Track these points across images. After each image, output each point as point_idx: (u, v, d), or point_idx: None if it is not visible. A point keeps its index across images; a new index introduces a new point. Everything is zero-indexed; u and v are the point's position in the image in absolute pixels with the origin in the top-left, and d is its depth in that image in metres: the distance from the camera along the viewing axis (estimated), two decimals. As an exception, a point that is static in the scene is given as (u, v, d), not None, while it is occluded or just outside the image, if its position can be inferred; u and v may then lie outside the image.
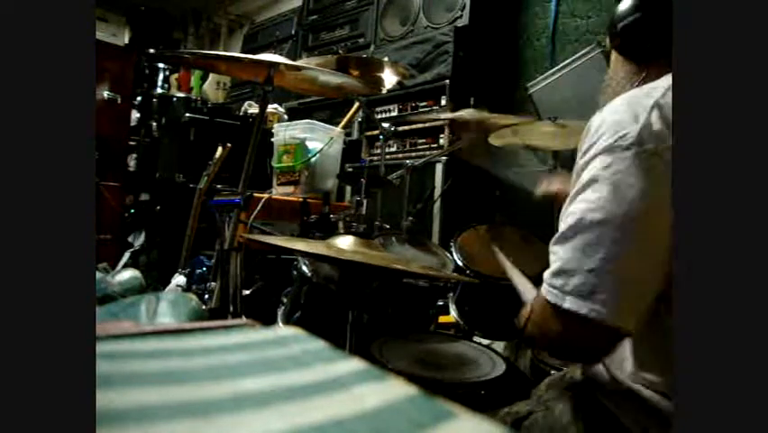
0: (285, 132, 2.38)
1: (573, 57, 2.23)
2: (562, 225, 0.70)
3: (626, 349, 0.74)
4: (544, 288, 0.71)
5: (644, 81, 0.81)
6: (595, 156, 0.69)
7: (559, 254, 0.69)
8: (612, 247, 0.65)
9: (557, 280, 0.68)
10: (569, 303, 0.66)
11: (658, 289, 0.66)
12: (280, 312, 1.51)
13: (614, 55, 0.91)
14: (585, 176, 0.69)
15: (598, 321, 0.65)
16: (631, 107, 0.69)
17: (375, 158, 2.45)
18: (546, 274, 0.71)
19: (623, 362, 0.76)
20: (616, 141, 0.67)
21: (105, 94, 3.55)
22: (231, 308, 1.54)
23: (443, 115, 2.14)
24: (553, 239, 0.71)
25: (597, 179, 0.68)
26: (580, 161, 0.72)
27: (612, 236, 0.65)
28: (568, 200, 0.72)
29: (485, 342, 1.28)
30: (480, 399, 0.98)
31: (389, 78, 1.83)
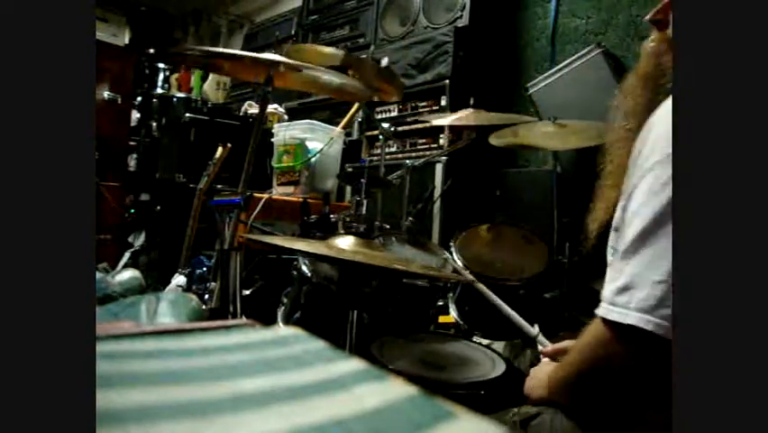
0: (285, 132, 2.38)
1: (573, 57, 2.23)
2: (625, 241, 0.66)
3: None
4: (603, 308, 0.66)
5: None
6: (653, 166, 0.65)
7: (623, 271, 0.65)
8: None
9: (621, 298, 0.64)
10: (632, 319, 0.62)
11: None
12: (280, 312, 1.51)
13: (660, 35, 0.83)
14: (644, 186, 0.65)
15: (662, 337, 0.60)
16: None
17: (375, 158, 2.45)
18: (607, 293, 0.66)
19: None
20: (663, 156, 0.63)
21: (106, 94, 3.55)
22: (231, 308, 1.54)
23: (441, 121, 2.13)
24: (615, 256, 0.67)
25: (650, 193, 0.64)
26: (637, 167, 0.68)
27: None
28: (624, 209, 0.68)
29: (485, 342, 1.28)
30: (479, 399, 0.98)
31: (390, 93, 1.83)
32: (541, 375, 0.85)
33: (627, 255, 0.65)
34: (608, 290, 0.66)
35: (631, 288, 0.63)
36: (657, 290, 0.61)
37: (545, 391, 0.81)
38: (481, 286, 1.30)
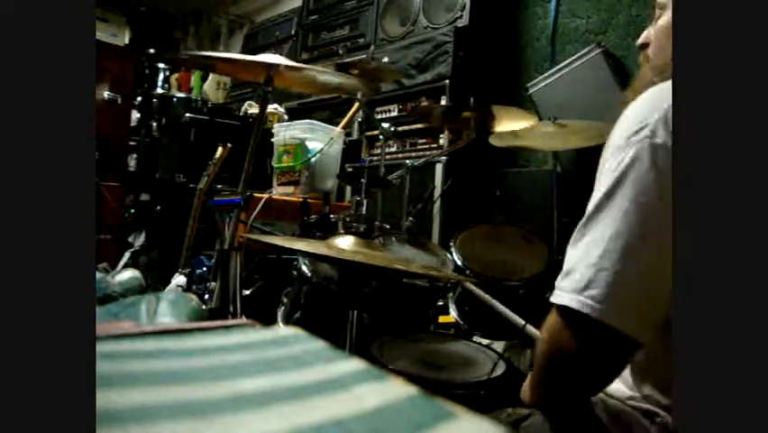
0: (285, 132, 2.38)
1: (573, 57, 2.23)
2: (580, 225, 0.68)
3: None
4: (553, 293, 0.68)
5: None
6: (612, 152, 0.67)
7: (569, 257, 0.67)
8: (611, 242, 0.62)
9: (563, 282, 0.66)
10: (566, 300, 0.64)
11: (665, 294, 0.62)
12: (280, 312, 1.51)
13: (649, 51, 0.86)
14: (598, 178, 0.68)
15: (594, 319, 0.61)
16: (653, 99, 0.66)
17: (375, 158, 2.45)
18: (557, 280, 0.68)
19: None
20: (630, 134, 0.65)
21: (106, 94, 3.55)
22: (231, 308, 1.54)
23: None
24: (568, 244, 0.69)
25: (606, 173, 0.65)
26: (601, 158, 0.70)
27: (612, 231, 0.62)
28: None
29: (485, 342, 1.28)
30: (479, 399, 0.98)
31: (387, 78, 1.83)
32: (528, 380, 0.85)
33: (574, 242, 0.68)
34: (558, 277, 0.69)
35: (571, 272, 0.66)
36: (589, 272, 0.63)
37: (527, 394, 0.80)
38: (469, 285, 1.29)
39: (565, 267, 0.67)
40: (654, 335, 0.64)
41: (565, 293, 0.65)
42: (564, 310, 0.65)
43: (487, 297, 1.25)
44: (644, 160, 0.63)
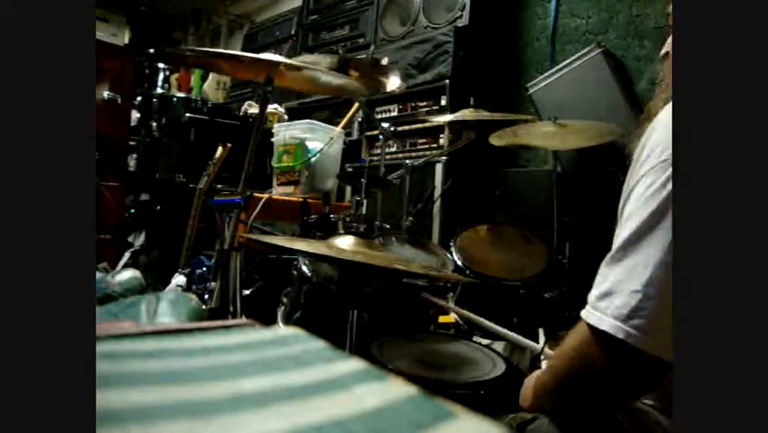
0: (285, 132, 2.38)
1: (573, 57, 2.23)
2: (613, 246, 0.67)
3: None
4: (586, 311, 0.67)
5: None
6: (642, 176, 0.66)
7: (608, 276, 0.66)
8: (657, 270, 0.61)
9: (602, 303, 0.65)
10: (606, 325, 0.63)
11: None
12: (280, 312, 1.51)
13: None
14: (638, 191, 0.67)
15: (633, 346, 0.61)
16: None
17: (375, 158, 2.45)
18: (591, 297, 0.67)
19: None
20: (658, 162, 0.64)
21: (105, 94, 3.55)
22: (231, 308, 1.53)
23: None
24: (604, 260, 0.68)
25: (642, 200, 0.65)
26: (630, 179, 0.69)
27: (659, 259, 0.61)
28: (621, 211, 0.69)
29: (485, 342, 1.28)
30: (480, 399, 0.98)
31: (392, 82, 1.83)
32: (529, 384, 0.84)
33: (614, 261, 0.66)
34: (592, 293, 0.67)
35: (611, 294, 0.64)
36: (633, 299, 0.62)
37: (530, 399, 0.80)
38: (474, 317, 1.28)
39: (604, 286, 0.66)
40: None
41: (606, 317, 0.63)
42: (602, 333, 0.64)
43: (495, 327, 1.23)
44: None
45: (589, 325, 0.65)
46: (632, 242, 0.64)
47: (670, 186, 0.63)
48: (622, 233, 0.66)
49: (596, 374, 0.67)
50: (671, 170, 0.63)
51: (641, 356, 0.61)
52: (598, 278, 0.67)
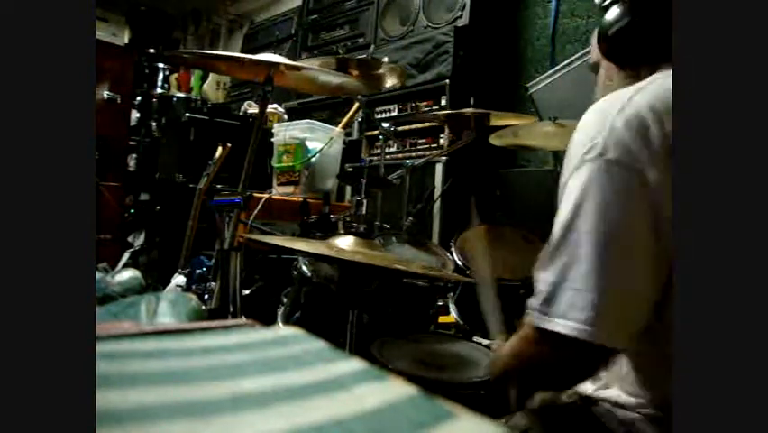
0: (285, 132, 2.38)
1: (573, 57, 2.22)
2: (544, 250, 0.70)
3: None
4: (529, 314, 0.69)
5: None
6: (570, 172, 0.69)
7: (541, 279, 0.68)
8: (587, 263, 0.63)
9: (536, 303, 0.68)
10: (553, 325, 0.65)
11: (650, 299, 0.64)
12: (280, 312, 1.51)
13: (605, 64, 0.89)
14: (561, 197, 0.70)
15: (582, 340, 0.63)
16: (602, 114, 0.68)
17: (375, 158, 2.45)
18: (531, 300, 0.69)
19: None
20: (584, 155, 0.66)
21: (105, 94, 3.55)
22: (231, 308, 1.53)
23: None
24: (536, 265, 0.70)
25: (568, 198, 0.67)
26: (564, 168, 0.71)
27: (586, 252, 0.63)
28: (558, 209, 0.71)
29: (485, 342, 1.28)
30: (480, 399, 0.98)
31: (390, 78, 1.83)
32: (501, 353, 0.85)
33: (545, 266, 0.69)
34: (535, 299, 0.69)
35: (554, 297, 0.66)
36: (571, 296, 0.64)
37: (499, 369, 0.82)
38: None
39: (540, 288, 0.68)
40: (634, 342, 0.66)
41: (552, 318, 0.65)
42: (554, 335, 0.65)
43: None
44: (601, 176, 0.64)
45: (539, 329, 0.67)
46: (558, 244, 0.67)
47: (582, 182, 0.66)
48: (552, 236, 0.69)
49: (536, 367, 0.72)
50: (584, 170, 0.66)
51: (593, 348, 0.63)
52: (538, 284, 0.69)
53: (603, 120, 0.67)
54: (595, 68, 0.93)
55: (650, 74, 0.75)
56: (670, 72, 0.71)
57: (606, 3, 0.83)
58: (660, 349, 0.66)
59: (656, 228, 0.63)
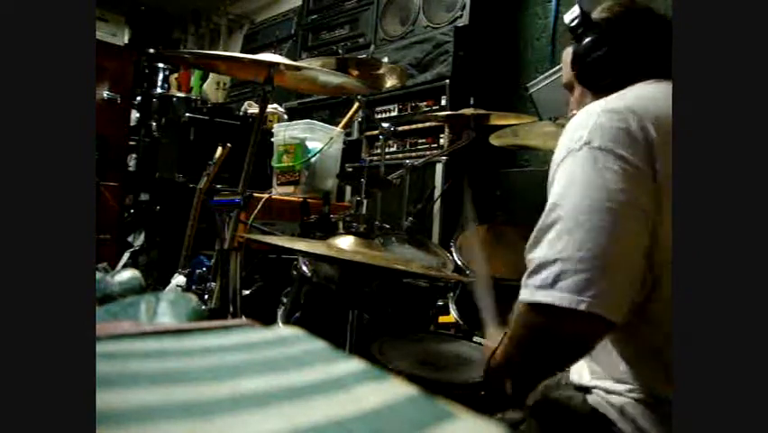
0: (285, 132, 2.38)
1: (573, 57, 2.22)
2: (532, 234, 0.73)
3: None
4: (529, 292, 0.71)
5: None
6: (558, 164, 0.73)
7: (529, 258, 0.72)
8: (573, 233, 0.66)
9: (527, 280, 0.71)
10: (539, 296, 0.68)
11: (637, 275, 0.67)
12: (280, 312, 1.51)
13: (578, 87, 0.93)
14: (549, 190, 0.74)
15: (573, 309, 0.65)
16: (586, 114, 0.74)
17: (375, 158, 2.45)
18: (523, 279, 0.73)
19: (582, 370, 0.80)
20: (570, 145, 0.72)
21: (105, 94, 3.55)
22: (231, 308, 1.53)
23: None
24: (525, 250, 0.74)
25: (557, 183, 0.71)
26: (552, 163, 0.76)
27: (573, 225, 0.67)
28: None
29: (485, 342, 1.28)
30: (479, 399, 0.98)
31: (390, 78, 1.83)
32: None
33: (530, 248, 0.74)
34: (529, 278, 0.72)
35: (534, 270, 0.71)
36: (552, 269, 0.68)
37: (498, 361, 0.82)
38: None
39: (532, 267, 0.71)
40: (627, 317, 0.68)
41: (557, 292, 0.67)
42: (537, 305, 0.69)
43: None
44: (585, 161, 0.69)
45: (531, 303, 0.70)
46: (545, 222, 0.71)
47: (562, 168, 0.71)
48: (540, 220, 0.72)
49: (530, 344, 0.74)
50: (571, 157, 0.71)
51: (585, 317, 0.65)
52: (528, 264, 0.73)
53: (587, 119, 0.72)
54: (568, 86, 0.96)
55: None
56: (647, 82, 0.79)
57: (575, 24, 0.86)
58: (642, 341, 0.71)
59: (637, 205, 0.66)
